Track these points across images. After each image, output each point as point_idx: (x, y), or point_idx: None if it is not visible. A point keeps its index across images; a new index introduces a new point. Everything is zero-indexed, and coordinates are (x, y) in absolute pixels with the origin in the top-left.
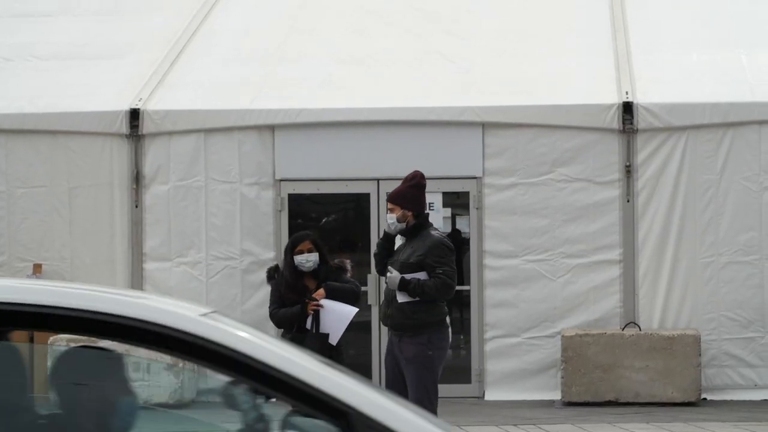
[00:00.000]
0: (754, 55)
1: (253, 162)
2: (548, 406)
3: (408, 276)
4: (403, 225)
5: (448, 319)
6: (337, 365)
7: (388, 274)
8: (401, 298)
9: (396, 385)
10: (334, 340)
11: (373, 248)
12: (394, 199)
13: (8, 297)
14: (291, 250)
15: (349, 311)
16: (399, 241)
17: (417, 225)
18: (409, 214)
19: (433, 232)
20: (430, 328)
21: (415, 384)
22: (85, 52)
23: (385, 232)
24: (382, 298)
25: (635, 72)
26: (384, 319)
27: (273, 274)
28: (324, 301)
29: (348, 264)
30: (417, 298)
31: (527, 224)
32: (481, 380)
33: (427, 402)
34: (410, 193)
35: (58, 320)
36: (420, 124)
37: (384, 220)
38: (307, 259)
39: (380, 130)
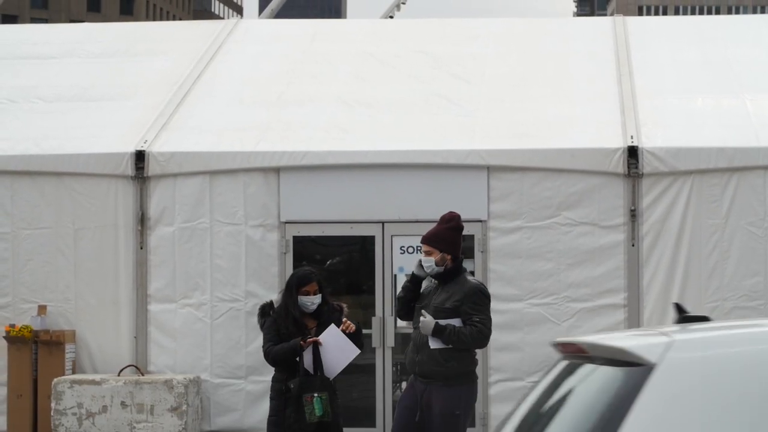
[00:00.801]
0: (759, 100)
1: (258, 204)
2: None
3: (443, 322)
4: (441, 268)
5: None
6: None
7: (422, 319)
8: (434, 344)
9: None
10: (331, 374)
11: (379, 291)
12: (431, 241)
13: None
14: (296, 288)
15: (353, 349)
16: (423, 283)
17: (454, 269)
18: (448, 257)
19: (470, 278)
20: (460, 379)
21: None
22: (89, 95)
23: (413, 274)
24: (409, 343)
25: (640, 116)
26: (411, 365)
27: (268, 310)
28: (329, 336)
29: (345, 309)
30: (450, 346)
31: (532, 268)
32: (486, 424)
33: None
34: (449, 235)
35: None
36: (425, 167)
37: (389, 263)
38: (312, 302)
39: (385, 172)
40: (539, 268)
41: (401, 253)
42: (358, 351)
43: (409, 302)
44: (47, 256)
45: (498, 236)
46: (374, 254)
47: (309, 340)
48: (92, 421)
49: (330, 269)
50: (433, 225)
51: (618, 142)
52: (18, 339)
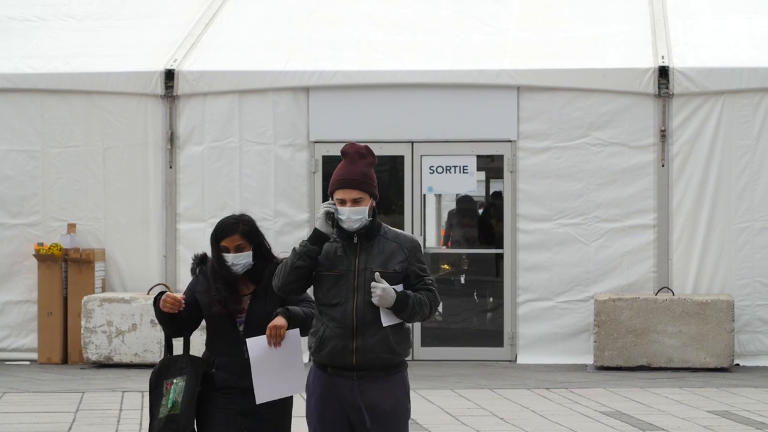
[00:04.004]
0: None
1: (287, 123)
2: (580, 370)
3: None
4: (369, 221)
5: None
6: None
7: (380, 286)
8: (388, 321)
9: None
10: (260, 397)
11: (408, 210)
12: (362, 184)
13: None
14: (216, 242)
15: (295, 382)
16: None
17: (374, 219)
18: (374, 204)
19: (392, 228)
20: (404, 363)
21: None
22: (120, 13)
23: (317, 232)
24: (325, 327)
25: (671, 36)
26: (339, 356)
27: (197, 265)
28: (255, 349)
29: None
30: (408, 320)
31: (561, 188)
32: (514, 344)
33: None
34: (372, 174)
35: None
36: (455, 87)
37: (418, 182)
38: (233, 262)
39: (415, 92)
40: (569, 188)
41: (430, 173)
42: (299, 389)
43: (310, 272)
44: (77, 174)
45: (527, 156)
46: (403, 174)
47: (167, 297)
48: (122, 339)
49: None
50: (462, 144)
51: (649, 62)
52: (48, 257)
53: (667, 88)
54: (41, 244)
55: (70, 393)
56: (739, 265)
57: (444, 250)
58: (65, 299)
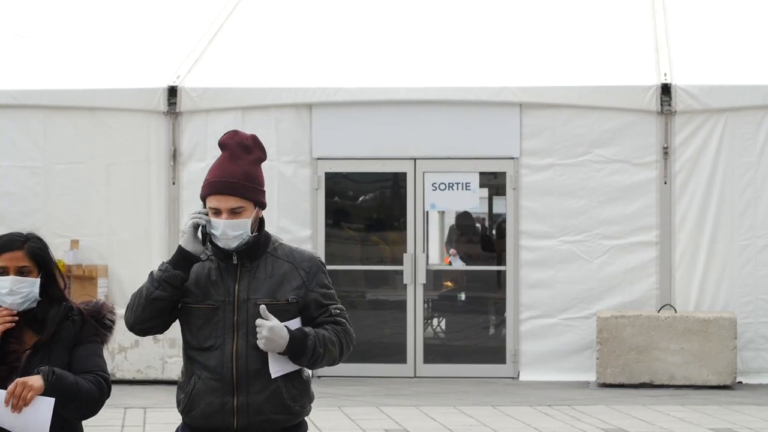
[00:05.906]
0: None
1: (290, 140)
2: (583, 388)
3: (291, 328)
4: (252, 236)
5: None
6: None
7: (266, 325)
8: (278, 370)
9: None
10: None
11: (411, 227)
12: (241, 189)
13: None
14: None
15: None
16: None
17: (265, 233)
18: (260, 213)
19: (286, 243)
20: (303, 424)
21: None
22: (123, 29)
23: (182, 252)
24: (197, 378)
25: (674, 53)
26: (221, 416)
27: None
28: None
29: (114, 314)
30: (309, 367)
31: (564, 205)
32: (516, 361)
33: None
34: (258, 174)
35: None
36: (457, 104)
37: (421, 199)
38: (14, 288)
39: (417, 109)
40: (571, 205)
41: (433, 190)
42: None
43: (174, 304)
44: (80, 190)
45: (530, 173)
46: (406, 190)
47: None
48: (125, 356)
49: (362, 206)
50: (464, 161)
51: (651, 79)
52: None
53: (669, 105)
54: None
55: None
56: (741, 282)
57: (446, 266)
58: None
